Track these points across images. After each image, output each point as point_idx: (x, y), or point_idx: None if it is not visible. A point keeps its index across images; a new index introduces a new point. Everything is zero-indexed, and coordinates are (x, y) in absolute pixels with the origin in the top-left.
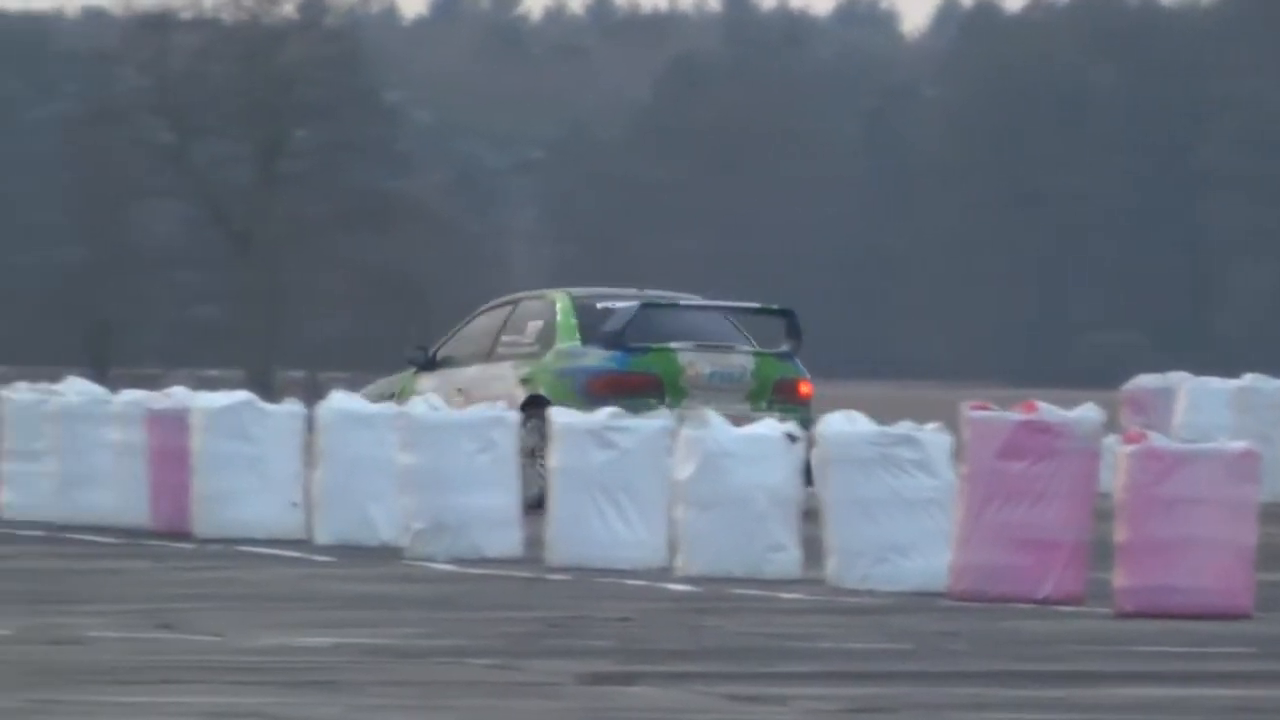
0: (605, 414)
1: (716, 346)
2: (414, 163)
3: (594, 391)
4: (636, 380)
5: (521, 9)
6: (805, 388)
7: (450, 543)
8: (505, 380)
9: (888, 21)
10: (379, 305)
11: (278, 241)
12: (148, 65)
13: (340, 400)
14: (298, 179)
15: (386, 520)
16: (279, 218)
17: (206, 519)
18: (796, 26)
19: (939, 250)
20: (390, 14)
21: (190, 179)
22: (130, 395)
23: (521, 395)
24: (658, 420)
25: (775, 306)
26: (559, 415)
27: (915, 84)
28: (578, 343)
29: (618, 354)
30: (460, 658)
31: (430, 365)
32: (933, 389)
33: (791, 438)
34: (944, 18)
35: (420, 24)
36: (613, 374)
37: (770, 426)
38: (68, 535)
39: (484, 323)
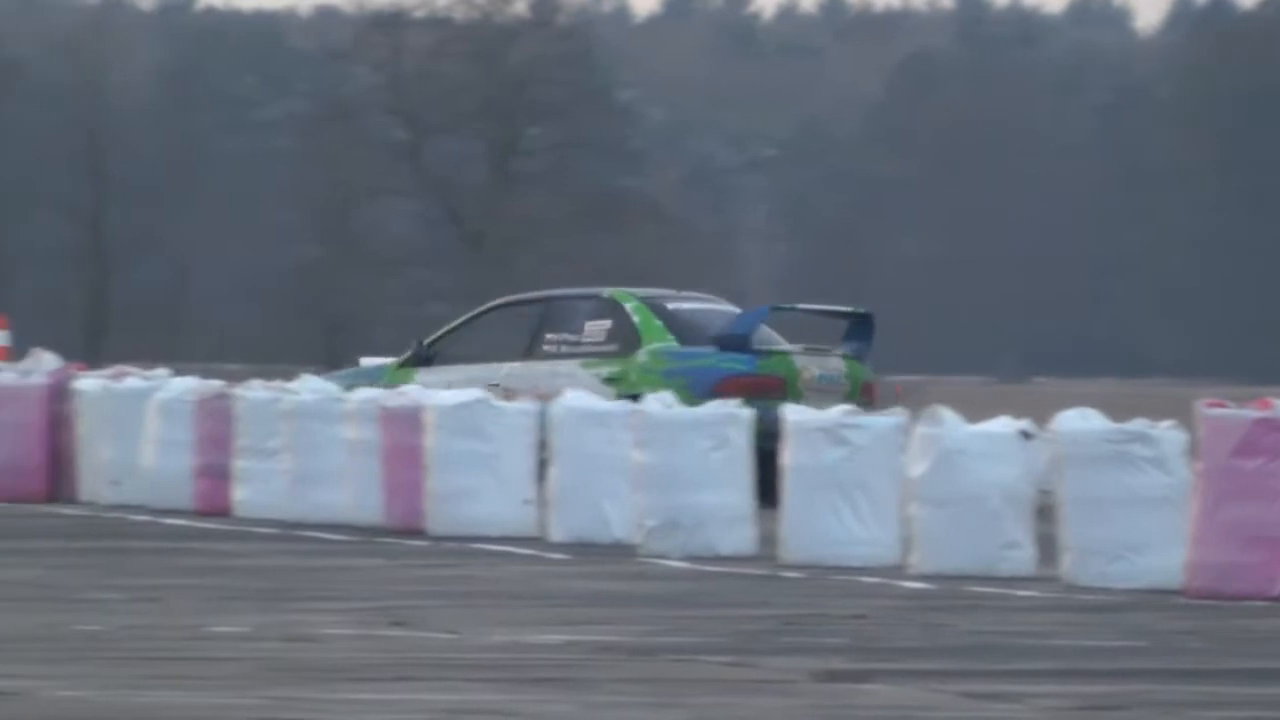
0: (838, 411)
1: (818, 350)
2: (647, 161)
3: (725, 392)
4: (767, 382)
5: (754, 7)
6: (876, 389)
7: (684, 540)
8: (574, 378)
9: (1120, 19)
10: None
11: (510, 240)
12: (380, 64)
13: (574, 398)
14: (530, 178)
15: (620, 517)
16: (512, 216)
17: (440, 516)
18: (1029, 24)
19: (1173, 248)
20: (622, 12)
21: (423, 177)
22: (364, 393)
23: (607, 394)
24: (891, 418)
25: (862, 310)
26: (792, 413)
27: (1149, 82)
28: (674, 343)
29: (747, 356)
30: (694, 655)
31: (425, 360)
32: (1167, 386)
33: (1026, 435)
34: (1177, 15)
35: (652, 22)
36: (747, 376)
37: (1004, 424)
38: (301, 533)
39: (502, 320)
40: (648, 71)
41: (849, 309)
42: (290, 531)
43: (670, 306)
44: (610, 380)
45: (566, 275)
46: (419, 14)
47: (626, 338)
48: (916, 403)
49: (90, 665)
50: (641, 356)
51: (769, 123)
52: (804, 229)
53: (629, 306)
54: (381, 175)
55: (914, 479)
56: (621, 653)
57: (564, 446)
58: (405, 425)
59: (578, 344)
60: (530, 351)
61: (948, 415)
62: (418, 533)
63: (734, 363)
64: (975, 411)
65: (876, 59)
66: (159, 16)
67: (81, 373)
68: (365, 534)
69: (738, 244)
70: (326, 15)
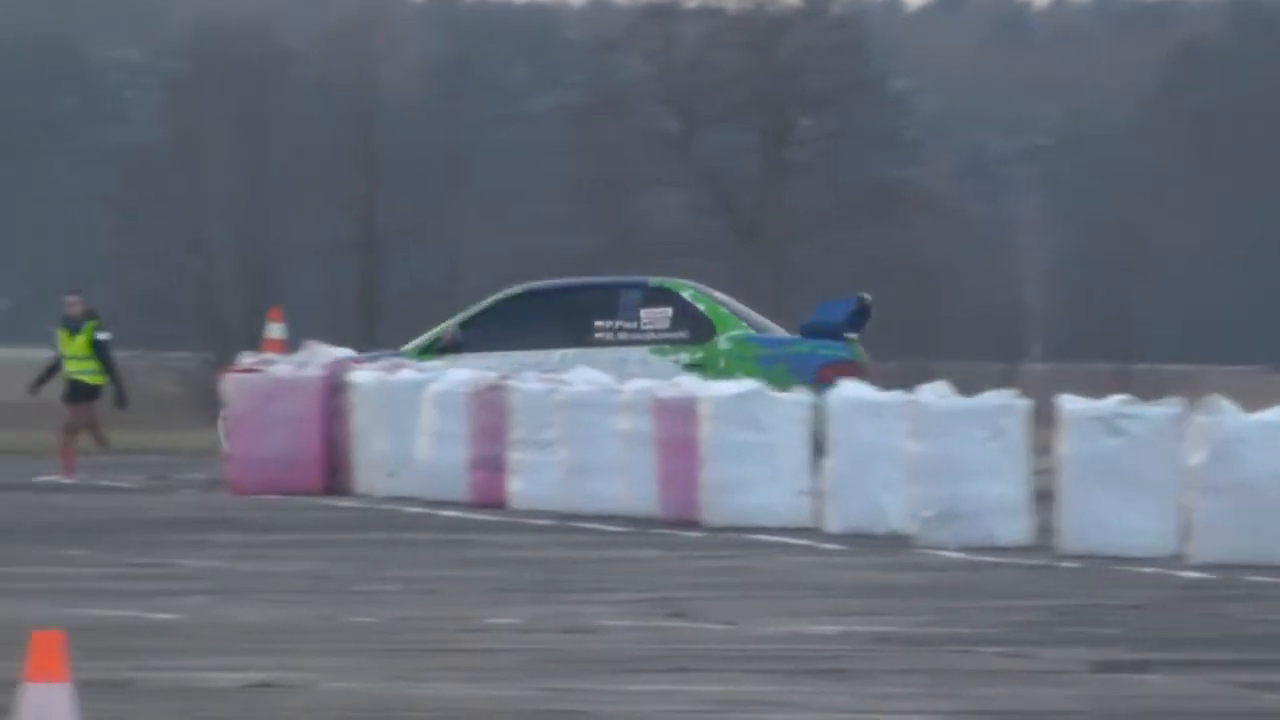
0: (1115, 401)
1: (859, 338)
2: (920, 151)
3: (825, 378)
4: (857, 368)
5: None
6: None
7: (961, 530)
8: (648, 365)
9: None
10: (887, 294)
11: (784, 231)
12: (652, 54)
13: (850, 389)
14: (803, 168)
15: (896, 508)
16: (784, 207)
17: (715, 507)
18: None
19: None
20: (894, 2)
21: (695, 168)
22: (638, 384)
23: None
24: (1168, 407)
25: (867, 296)
26: (1069, 403)
27: None
28: (748, 330)
29: (840, 343)
30: (970, 646)
31: (453, 347)
32: None
33: None
34: None
35: (925, 11)
36: (846, 362)
37: None
38: (576, 524)
39: (538, 309)
40: (920, 62)
41: (867, 296)
42: (565, 523)
43: (719, 295)
44: (693, 366)
45: (840, 265)
46: (691, 4)
47: (696, 325)
48: (1193, 392)
49: (365, 657)
50: (723, 343)
51: (1042, 111)
52: (1077, 218)
53: (687, 295)
54: (653, 166)
55: (1192, 468)
56: (898, 643)
57: (839, 437)
58: (679, 416)
59: (637, 330)
60: (581, 338)
61: (1226, 405)
62: (692, 524)
63: (832, 349)
64: (1253, 401)
65: (1149, 48)
66: (430, 8)
67: (357, 365)
68: (640, 525)
69: (1011, 233)
70: (598, 6)
